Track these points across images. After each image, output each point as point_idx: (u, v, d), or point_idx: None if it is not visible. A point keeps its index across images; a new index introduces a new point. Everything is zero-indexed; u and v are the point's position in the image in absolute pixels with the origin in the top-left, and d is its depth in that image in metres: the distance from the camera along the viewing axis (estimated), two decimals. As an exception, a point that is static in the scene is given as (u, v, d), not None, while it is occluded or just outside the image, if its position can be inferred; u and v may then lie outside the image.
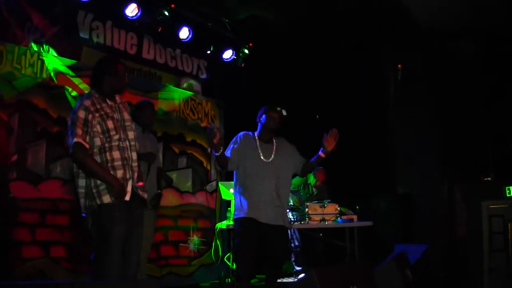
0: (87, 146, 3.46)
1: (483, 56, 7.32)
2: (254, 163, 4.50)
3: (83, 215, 3.53)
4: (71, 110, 3.46)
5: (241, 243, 4.41)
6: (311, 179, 7.68)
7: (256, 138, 4.61)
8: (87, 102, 3.53)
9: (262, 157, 4.51)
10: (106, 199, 3.46)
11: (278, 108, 4.55)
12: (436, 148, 7.63)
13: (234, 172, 4.62)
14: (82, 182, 3.52)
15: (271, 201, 4.48)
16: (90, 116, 3.48)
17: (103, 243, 3.43)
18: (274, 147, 4.62)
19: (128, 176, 3.58)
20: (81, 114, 3.48)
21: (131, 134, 3.69)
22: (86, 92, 5.71)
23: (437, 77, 7.62)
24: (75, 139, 3.42)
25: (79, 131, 3.44)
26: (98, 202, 3.45)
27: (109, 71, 3.63)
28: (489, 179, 5.54)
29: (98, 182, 3.47)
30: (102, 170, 3.49)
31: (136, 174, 3.68)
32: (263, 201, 4.45)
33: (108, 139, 3.53)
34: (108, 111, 3.59)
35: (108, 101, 3.64)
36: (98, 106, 3.56)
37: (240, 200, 4.52)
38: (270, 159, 4.53)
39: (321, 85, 8.20)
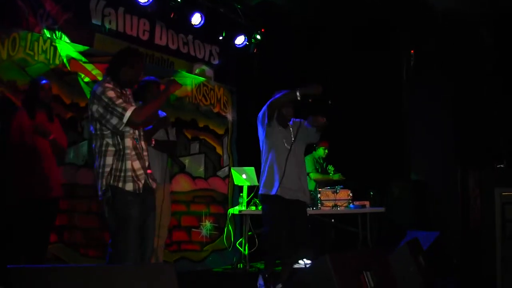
0: (136, 107, 3.53)
1: (499, 44, 7.23)
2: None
3: (100, 198, 3.54)
4: (84, 96, 3.44)
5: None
6: (319, 153, 7.59)
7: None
8: (109, 85, 3.54)
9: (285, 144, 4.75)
10: (121, 185, 3.48)
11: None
12: (449, 134, 7.58)
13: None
14: (98, 161, 3.54)
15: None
16: (118, 94, 3.53)
17: (120, 228, 3.45)
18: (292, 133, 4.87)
19: (143, 165, 3.61)
20: (111, 93, 3.48)
21: None
22: (99, 78, 5.73)
23: (452, 64, 7.55)
24: (127, 112, 3.44)
25: (123, 104, 3.47)
26: (115, 184, 3.47)
27: (126, 62, 3.63)
28: (502, 166, 5.50)
29: (120, 166, 3.50)
30: (156, 99, 3.70)
31: (146, 163, 3.70)
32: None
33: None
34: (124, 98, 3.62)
35: (122, 90, 3.66)
36: (119, 90, 3.60)
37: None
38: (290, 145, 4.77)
39: (333, 70, 8.14)
